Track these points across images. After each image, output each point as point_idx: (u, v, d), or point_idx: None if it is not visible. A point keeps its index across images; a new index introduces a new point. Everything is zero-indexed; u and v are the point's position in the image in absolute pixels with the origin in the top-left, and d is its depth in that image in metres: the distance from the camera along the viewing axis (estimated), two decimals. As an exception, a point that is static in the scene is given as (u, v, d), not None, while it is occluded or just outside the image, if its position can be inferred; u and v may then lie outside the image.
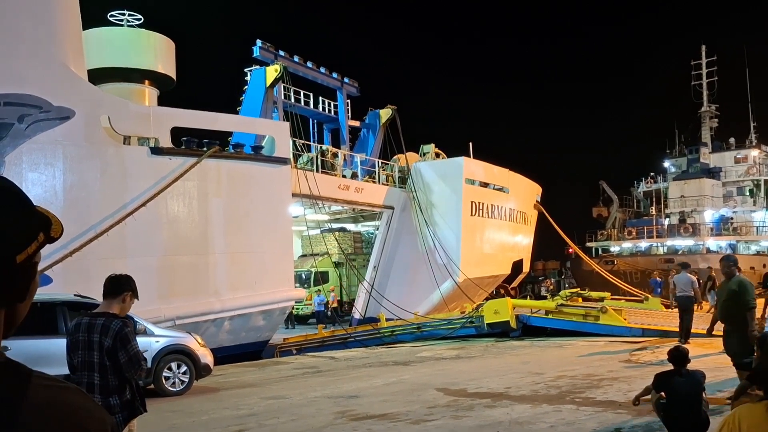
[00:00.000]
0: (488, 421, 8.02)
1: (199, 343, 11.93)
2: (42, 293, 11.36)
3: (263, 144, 19.12)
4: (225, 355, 15.68)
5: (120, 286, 4.59)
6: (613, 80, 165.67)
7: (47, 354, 9.74)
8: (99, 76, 17.77)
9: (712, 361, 11.76)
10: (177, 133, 16.44)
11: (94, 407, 1.18)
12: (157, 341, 11.27)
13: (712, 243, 46.05)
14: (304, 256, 28.17)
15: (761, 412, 1.93)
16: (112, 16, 20.84)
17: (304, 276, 26.44)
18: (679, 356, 6.78)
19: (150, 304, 15.14)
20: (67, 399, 1.13)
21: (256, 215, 17.72)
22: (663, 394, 6.74)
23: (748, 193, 50.79)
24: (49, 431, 1.08)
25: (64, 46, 14.81)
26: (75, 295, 11.12)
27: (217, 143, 17.11)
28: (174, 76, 21.29)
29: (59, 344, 9.96)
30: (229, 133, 20.22)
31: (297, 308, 26.35)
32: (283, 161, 18.66)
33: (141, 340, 10.88)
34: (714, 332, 9.02)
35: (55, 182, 14.45)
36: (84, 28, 16.29)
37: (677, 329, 17.26)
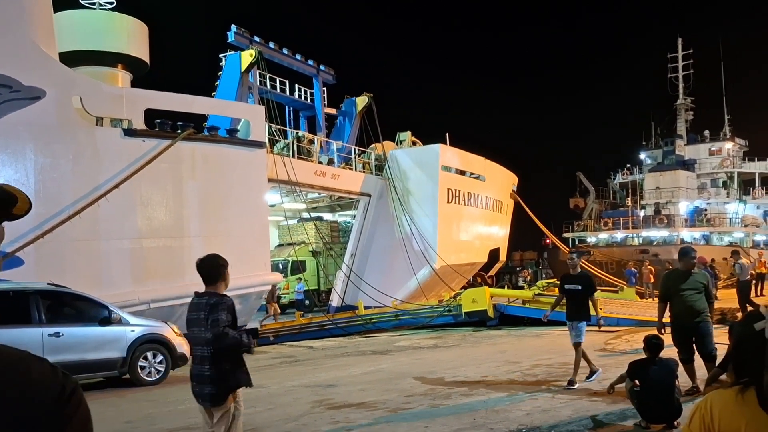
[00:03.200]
0: (465, 409, 8.04)
1: (175, 332, 11.81)
2: (15, 282, 11.19)
3: (238, 128, 18.95)
4: None
5: (213, 270, 4.94)
6: (590, 72, 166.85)
7: (20, 344, 9.49)
8: (71, 59, 17.42)
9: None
10: (151, 115, 16.22)
11: (35, 359, 1.17)
12: (132, 330, 11.15)
13: (687, 234, 46.72)
14: (281, 245, 28.01)
15: (732, 397, 1.94)
16: None
17: (281, 265, 26.32)
18: (654, 345, 6.88)
19: (124, 287, 14.99)
20: (7, 350, 1.14)
21: (231, 198, 17.55)
22: (637, 381, 6.83)
23: (721, 185, 51.63)
24: None
25: (34, 24, 14.47)
26: (48, 283, 10.97)
27: (192, 126, 16.89)
28: (147, 60, 20.97)
29: (32, 334, 9.89)
30: (204, 118, 19.98)
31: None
32: (258, 145, 18.47)
33: (115, 330, 10.86)
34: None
35: (26, 163, 14.16)
36: (55, 11, 15.95)
37: (650, 318, 17.49)
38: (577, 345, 9.26)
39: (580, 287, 9.31)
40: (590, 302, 9.31)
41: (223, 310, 4.71)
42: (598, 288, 10.39)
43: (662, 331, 8.09)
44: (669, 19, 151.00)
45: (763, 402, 1.90)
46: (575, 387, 8.93)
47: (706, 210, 49.60)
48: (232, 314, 4.83)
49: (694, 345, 8.09)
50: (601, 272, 33.04)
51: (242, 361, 4.88)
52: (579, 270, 9.69)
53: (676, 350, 8.13)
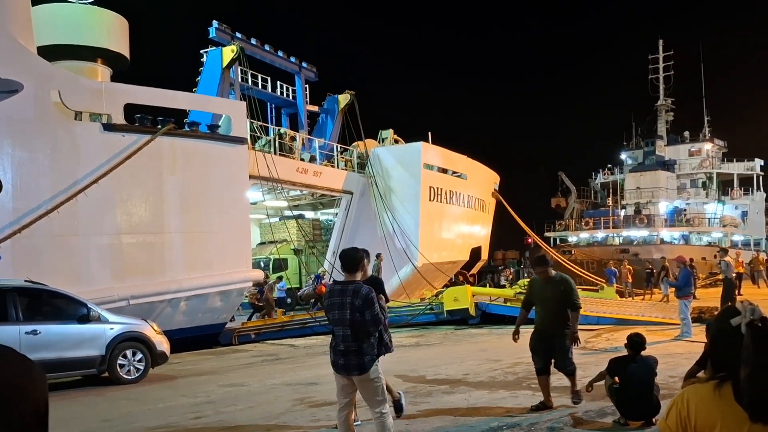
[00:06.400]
0: (446, 406, 8.05)
1: (155, 330, 11.71)
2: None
3: (219, 123, 18.82)
4: (182, 338, 15.44)
5: (356, 262, 5.57)
6: (572, 72, 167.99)
7: (-5, 340, 9.45)
8: (49, 53, 17.13)
9: (665, 348, 12.07)
10: (131, 110, 16.04)
11: None
12: (112, 328, 11.01)
13: (666, 234, 47.25)
14: (263, 243, 27.88)
15: (708, 392, 1.97)
16: None
17: (263, 263, 26.18)
18: (636, 343, 6.93)
19: (102, 283, 14.84)
20: None
21: (212, 194, 17.41)
22: (617, 378, 6.88)
23: (700, 186, 52.27)
24: None
25: (12, 18, 14.26)
26: (26, 281, 10.82)
27: (172, 121, 16.75)
28: (128, 55, 20.73)
29: (9, 331, 9.74)
30: (185, 113, 19.80)
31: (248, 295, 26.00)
32: (240, 140, 18.35)
33: (94, 327, 10.73)
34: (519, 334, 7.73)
35: (3, 157, 13.96)
36: (34, 4, 15.74)
37: (630, 317, 17.72)
38: None
39: None
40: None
41: (377, 301, 5.38)
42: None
43: (516, 338, 7.67)
44: (650, 21, 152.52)
45: (739, 397, 1.92)
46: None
47: (685, 210, 50.18)
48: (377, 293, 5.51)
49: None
50: (582, 271, 33.32)
51: (382, 334, 5.61)
52: (370, 274, 7.50)
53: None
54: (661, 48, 55.25)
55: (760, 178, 54.06)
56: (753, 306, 1.99)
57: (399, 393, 7.34)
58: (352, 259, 5.56)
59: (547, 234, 50.05)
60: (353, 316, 5.31)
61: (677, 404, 2.03)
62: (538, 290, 7.76)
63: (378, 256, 22.08)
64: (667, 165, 51.85)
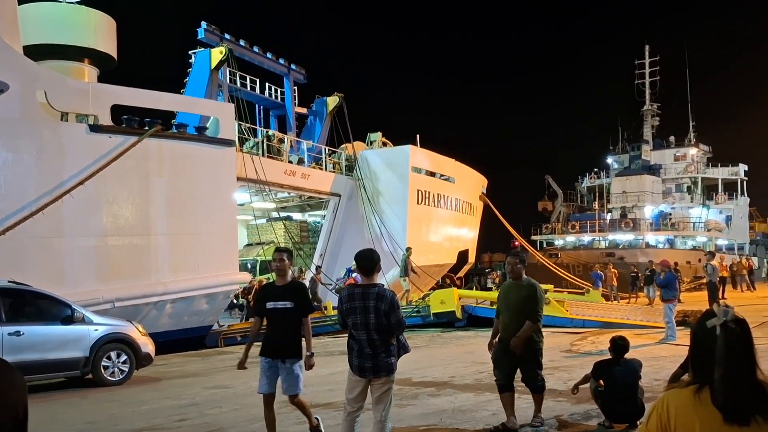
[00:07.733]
0: (432, 409, 8.06)
1: (140, 332, 11.64)
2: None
3: (207, 125, 18.75)
4: (167, 340, 15.35)
5: (374, 263, 5.48)
6: (560, 76, 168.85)
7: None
8: (35, 53, 17.03)
9: (649, 351, 12.15)
10: (118, 111, 15.96)
11: None
12: (96, 329, 10.94)
13: (651, 238, 47.59)
14: (249, 245, 27.79)
15: (689, 396, 2.00)
16: None
17: (249, 265, 26.10)
18: (619, 346, 6.97)
19: (87, 285, 14.73)
20: None
21: (199, 197, 17.34)
22: (601, 382, 6.92)
23: (686, 190, 52.68)
24: None
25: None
26: (9, 281, 10.71)
27: (159, 122, 16.67)
28: (115, 55, 20.61)
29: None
30: (173, 115, 19.71)
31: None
32: (227, 143, 18.29)
33: (78, 329, 10.65)
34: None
35: None
36: (20, 3, 15.61)
37: (615, 320, 17.86)
38: (294, 397, 6.58)
39: (290, 304, 6.31)
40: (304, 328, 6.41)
41: (399, 304, 5.47)
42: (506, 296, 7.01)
43: (492, 350, 7.12)
44: (636, 25, 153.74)
45: (716, 399, 1.94)
46: None
47: (670, 214, 50.53)
48: None
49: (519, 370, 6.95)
50: (568, 274, 33.49)
51: (399, 336, 5.59)
52: (290, 278, 6.52)
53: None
54: (647, 53, 55.67)
55: (744, 183, 54.68)
56: (728, 308, 2.03)
57: (317, 419, 6.85)
58: (369, 260, 5.45)
59: (533, 237, 50.24)
60: (379, 320, 5.26)
61: (657, 409, 2.06)
62: (505, 294, 7.03)
63: (408, 250, 22.05)
64: (653, 169, 52.24)
